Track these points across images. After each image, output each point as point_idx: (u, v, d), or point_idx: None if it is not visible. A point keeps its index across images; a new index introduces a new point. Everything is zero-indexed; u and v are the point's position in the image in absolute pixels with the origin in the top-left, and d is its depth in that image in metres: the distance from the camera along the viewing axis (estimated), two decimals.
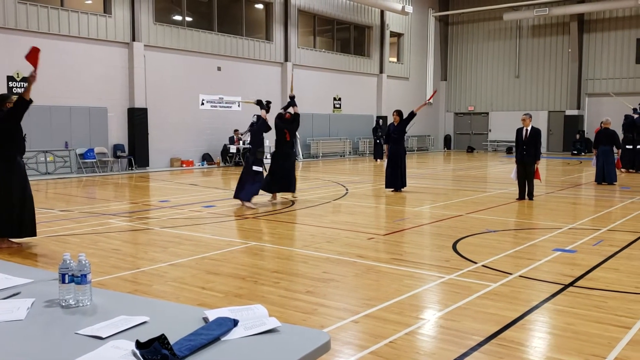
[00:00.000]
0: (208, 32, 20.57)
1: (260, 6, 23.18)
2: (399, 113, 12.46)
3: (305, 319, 4.33)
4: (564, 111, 28.76)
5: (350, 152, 26.82)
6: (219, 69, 20.85)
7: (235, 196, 10.35)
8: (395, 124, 12.46)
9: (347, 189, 13.09)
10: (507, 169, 20.13)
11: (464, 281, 5.40)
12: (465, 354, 3.68)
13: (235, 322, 1.94)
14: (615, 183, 14.04)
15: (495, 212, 9.77)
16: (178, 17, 20.18)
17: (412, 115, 12.21)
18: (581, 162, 21.68)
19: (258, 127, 10.83)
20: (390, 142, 12.50)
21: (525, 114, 11.37)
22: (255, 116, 11.09)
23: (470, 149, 31.17)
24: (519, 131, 11.17)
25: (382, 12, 28.28)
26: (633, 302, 4.76)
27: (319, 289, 5.15)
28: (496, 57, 31.10)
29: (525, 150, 10.96)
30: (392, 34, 29.45)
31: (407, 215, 9.29)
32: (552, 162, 22.94)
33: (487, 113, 31.04)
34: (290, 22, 23.40)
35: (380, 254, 6.64)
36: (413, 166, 19.66)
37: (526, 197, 11.10)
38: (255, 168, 10.30)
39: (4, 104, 6.64)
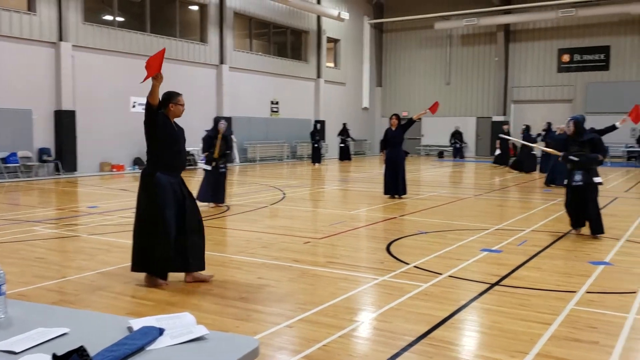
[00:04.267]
0: (140, 33, 20.06)
1: (195, 7, 22.84)
2: (397, 117, 12.15)
3: (239, 326, 4.29)
4: (491, 117, 29.88)
5: (288, 156, 26.82)
6: None
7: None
8: (394, 129, 12.11)
9: (284, 193, 13.07)
10: (438, 172, 20.70)
11: (396, 282, 5.51)
12: (397, 355, 3.75)
13: (161, 331, 1.89)
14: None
15: (427, 214, 10.01)
16: (109, 17, 19.58)
17: (411, 122, 11.88)
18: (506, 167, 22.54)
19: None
20: (389, 147, 12.10)
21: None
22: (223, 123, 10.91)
23: (405, 153, 31.78)
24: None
25: (318, 18, 28.50)
26: (554, 299, 4.99)
27: (253, 294, 5.11)
28: (428, 64, 31.97)
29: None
30: (329, 40, 29.73)
31: (343, 218, 9.37)
32: (481, 165, 23.78)
33: (420, 119, 31.80)
34: (226, 24, 23.19)
35: (316, 258, 6.67)
36: (351, 170, 19.89)
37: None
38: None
39: (167, 105, 5.43)
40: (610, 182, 16.46)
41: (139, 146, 20.10)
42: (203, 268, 5.48)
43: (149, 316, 2.06)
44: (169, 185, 5.28)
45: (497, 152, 22.79)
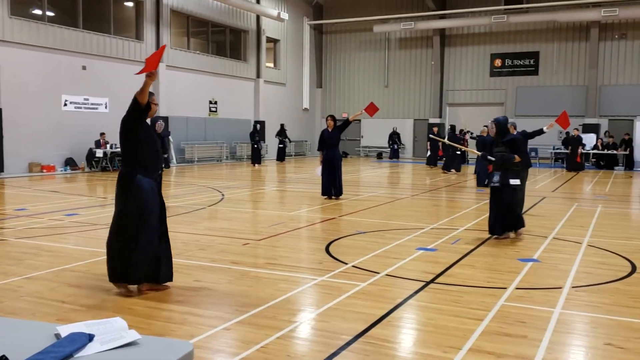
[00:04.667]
0: (72, 28, 19.33)
1: (130, 4, 22.24)
2: (333, 118, 12.17)
3: (175, 329, 4.21)
4: (428, 119, 30.63)
5: (227, 157, 26.53)
6: (84, 68, 19.67)
7: None
8: (330, 130, 12.11)
9: (223, 195, 12.93)
10: (377, 173, 21.03)
11: (335, 282, 5.55)
12: (335, 354, 3.78)
13: (90, 337, 1.83)
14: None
15: (366, 214, 10.15)
16: (38, 12, 18.76)
17: (347, 123, 11.93)
18: (437, 167, 23.21)
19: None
20: (326, 148, 12.07)
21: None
22: None
23: (344, 154, 32.15)
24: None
25: (258, 17, 28.35)
26: (486, 295, 5.17)
27: (190, 297, 5.02)
28: (367, 66, 32.42)
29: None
30: (269, 40, 29.63)
31: (283, 220, 9.36)
32: (417, 166, 24.33)
33: (359, 120, 32.21)
34: (163, 22, 22.70)
35: (256, 259, 6.63)
36: (291, 171, 19.89)
37: None
38: None
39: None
40: (539, 182, 17.21)
41: (71, 146, 19.40)
42: (171, 279, 5.29)
43: (81, 322, 1.99)
44: (151, 190, 5.05)
45: (428, 153, 23.75)
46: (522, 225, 8.00)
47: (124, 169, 5.11)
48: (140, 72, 4.86)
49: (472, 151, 9.95)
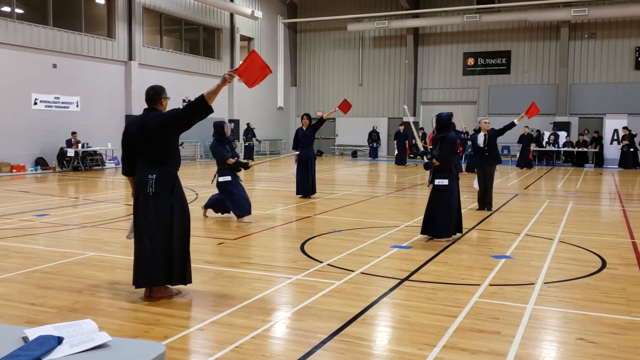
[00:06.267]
0: (42, 26, 18.96)
1: (101, 1, 21.89)
2: (308, 117, 12.11)
3: (148, 331, 4.15)
4: (402, 118, 30.79)
5: (201, 156, 26.33)
6: (54, 66, 19.31)
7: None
8: (305, 128, 12.06)
9: (197, 194, 12.82)
10: (352, 172, 21.09)
11: (310, 281, 5.55)
12: (310, 353, 3.77)
13: (59, 340, 1.80)
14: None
15: (341, 212, 10.17)
16: (6, 9, 18.34)
17: (321, 121, 11.89)
18: (417, 165, 23.38)
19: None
20: (300, 147, 12.00)
21: (486, 119, 11.07)
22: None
23: (319, 153, 32.17)
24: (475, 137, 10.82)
25: (231, 15, 28.18)
26: (459, 292, 5.21)
27: (163, 298, 4.96)
28: (342, 65, 32.48)
29: (487, 152, 10.58)
30: (243, 38, 29.47)
31: (257, 219, 9.32)
32: (392, 164, 24.47)
33: (334, 118, 32.28)
34: (135, 19, 22.40)
35: (230, 259, 6.59)
36: (265, 169, 19.82)
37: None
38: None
39: (160, 99, 4.98)
40: (510, 180, 17.45)
41: (41, 145, 19.04)
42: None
43: (51, 324, 1.95)
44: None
45: (396, 152, 24.17)
46: (447, 234, 7.51)
47: (167, 168, 4.90)
48: (252, 85, 5.05)
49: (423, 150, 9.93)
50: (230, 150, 9.21)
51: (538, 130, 25.85)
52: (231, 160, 8.96)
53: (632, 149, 23.22)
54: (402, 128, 24.40)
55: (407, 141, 24.72)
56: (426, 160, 7.90)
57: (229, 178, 8.99)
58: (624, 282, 5.64)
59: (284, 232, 8.46)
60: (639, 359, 3.74)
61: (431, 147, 8.04)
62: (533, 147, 23.57)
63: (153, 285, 4.87)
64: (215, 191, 9.47)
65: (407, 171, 20.74)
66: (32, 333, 1.84)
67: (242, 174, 12.28)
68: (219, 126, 9.24)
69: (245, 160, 9.63)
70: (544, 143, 25.47)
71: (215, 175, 9.26)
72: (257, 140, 27.42)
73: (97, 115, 21.07)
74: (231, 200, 9.00)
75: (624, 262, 6.51)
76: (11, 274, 5.70)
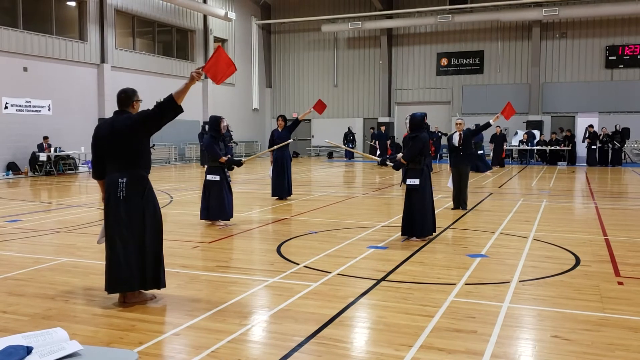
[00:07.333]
0: (12, 29, 18.60)
1: (72, 3, 21.56)
2: (283, 118, 12.07)
3: (123, 337, 4.09)
4: (377, 118, 30.97)
5: (176, 159, 26.10)
6: (25, 69, 18.95)
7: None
8: (280, 130, 12.00)
9: (171, 197, 12.69)
10: (328, 173, 21.12)
11: (287, 283, 5.53)
12: (287, 356, 3.76)
13: (28, 350, 1.76)
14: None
15: (317, 213, 10.16)
16: None
17: (297, 122, 11.88)
18: None
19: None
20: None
21: (460, 119, 11.12)
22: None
23: (295, 154, 32.14)
24: (451, 137, 10.84)
25: (205, 17, 28.00)
26: (435, 292, 5.24)
27: (137, 303, 4.89)
28: (316, 66, 32.51)
29: (462, 152, 10.61)
30: (216, 39, 29.31)
31: (233, 221, 9.25)
32: (367, 165, 24.56)
33: (310, 120, 32.28)
34: (107, 22, 22.11)
35: (205, 262, 6.54)
36: (241, 172, 19.72)
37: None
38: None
39: (131, 102, 4.90)
40: (485, 179, 17.65)
41: (12, 150, 18.67)
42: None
43: (23, 332, 1.90)
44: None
45: (378, 152, 24.29)
46: (425, 234, 7.58)
47: (138, 171, 4.79)
48: (219, 82, 5.11)
49: (368, 156, 10.01)
50: (224, 147, 9.07)
51: (506, 129, 26.25)
52: (224, 159, 8.81)
53: (598, 146, 23.64)
54: (383, 128, 24.46)
55: (388, 141, 24.93)
56: (389, 164, 7.95)
57: (217, 178, 8.84)
58: (597, 279, 5.73)
59: (260, 234, 8.42)
60: (612, 355, 3.81)
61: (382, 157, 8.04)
62: (506, 145, 23.96)
63: (126, 290, 4.80)
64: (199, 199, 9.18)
65: (383, 171, 20.83)
66: (1, 343, 1.80)
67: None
68: (215, 121, 9.07)
69: (239, 158, 9.49)
70: (516, 141, 25.91)
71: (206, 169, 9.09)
72: (234, 142, 27.27)
73: (70, 119, 20.75)
74: (217, 202, 8.85)
75: (597, 259, 6.62)
76: None
